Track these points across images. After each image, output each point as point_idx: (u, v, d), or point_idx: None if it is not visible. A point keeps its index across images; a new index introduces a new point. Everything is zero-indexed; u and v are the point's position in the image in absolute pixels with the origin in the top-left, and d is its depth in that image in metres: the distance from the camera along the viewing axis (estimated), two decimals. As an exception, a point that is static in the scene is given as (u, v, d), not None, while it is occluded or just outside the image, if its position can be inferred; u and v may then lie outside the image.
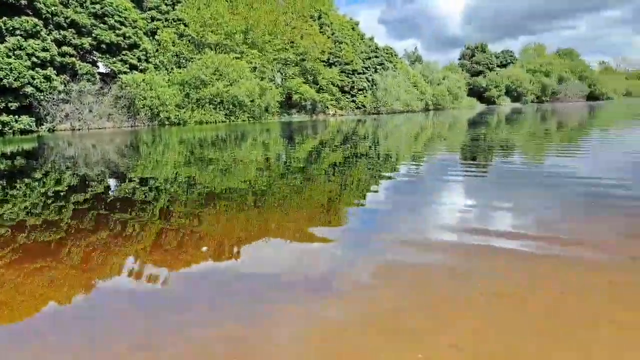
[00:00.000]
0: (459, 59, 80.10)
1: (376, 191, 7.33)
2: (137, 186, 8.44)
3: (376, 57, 55.14)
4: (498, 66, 79.42)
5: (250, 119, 42.35)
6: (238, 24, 44.44)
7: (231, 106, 40.63)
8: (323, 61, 49.47)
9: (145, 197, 7.37)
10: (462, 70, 74.51)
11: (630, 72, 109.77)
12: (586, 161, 9.69)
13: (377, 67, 54.65)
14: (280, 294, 3.27)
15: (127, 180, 9.34)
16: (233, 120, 40.89)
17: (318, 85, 49.22)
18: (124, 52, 38.42)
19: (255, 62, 44.70)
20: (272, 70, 47.24)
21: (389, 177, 8.56)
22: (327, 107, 50.06)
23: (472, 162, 10.64)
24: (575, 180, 7.15)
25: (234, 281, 3.63)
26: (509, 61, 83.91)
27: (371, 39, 57.06)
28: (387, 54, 56.77)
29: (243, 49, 44.68)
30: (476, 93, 73.49)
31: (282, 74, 49.40)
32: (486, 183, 7.71)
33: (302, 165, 10.88)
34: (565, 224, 4.66)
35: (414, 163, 10.71)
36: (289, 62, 48.65)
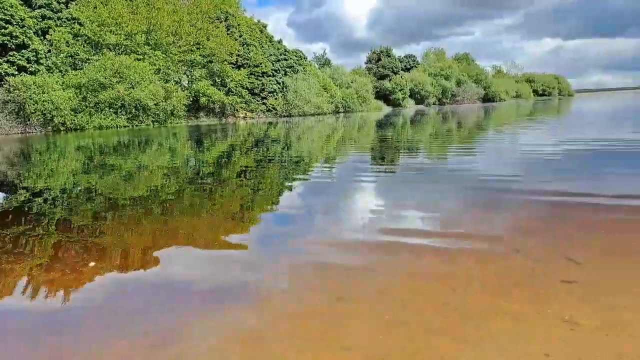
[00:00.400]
0: (366, 63, 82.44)
1: (289, 195, 7.22)
2: (30, 197, 7.57)
3: (285, 59, 55.13)
4: (402, 70, 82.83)
5: (154, 123, 40.46)
6: (139, 24, 42.25)
7: (134, 110, 38.54)
8: (231, 63, 48.47)
9: (40, 209, 6.61)
10: (369, 73, 76.81)
11: (520, 75, 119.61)
12: (483, 159, 10.27)
13: (287, 69, 54.67)
14: (191, 304, 3.03)
15: (18, 191, 8.37)
16: (136, 125, 38.83)
17: (227, 88, 48.16)
18: (11, 53, 35.07)
19: (159, 64, 42.78)
20: (177, 72, 45.46)
21: (302, 180, 8.48)
22: (237, 110, 49.17)
23: (381, 162, 10.88)
24: (473, 178, 7.52)
25: (141, 294, 3.29)
26: (412, 65, 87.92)
27: (280, 41, 56.95)
28: (296, 57, 56.97)
29: (145, 50, 42.56)
30: (383, 96, 76.10)
31: (188, 76, 47.73)
32: (394, 183, 7.88)
33: (212, 170, 10.47)
34: (462, 221, 4.86)
35: (326, 165, 10.74)
36: (195, 64, 47.13)
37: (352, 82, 65.90)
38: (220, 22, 49.91)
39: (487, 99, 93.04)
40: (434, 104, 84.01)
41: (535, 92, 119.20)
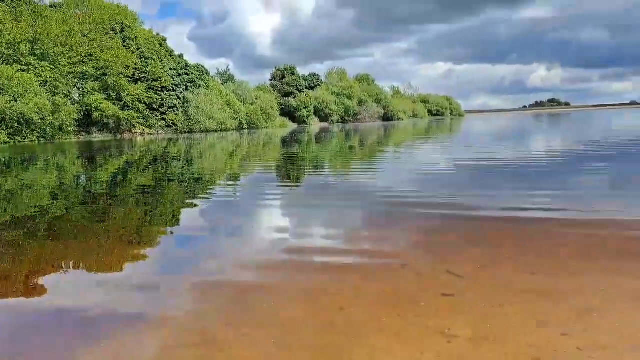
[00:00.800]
0: (270, 80, 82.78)
1: (189, 215, 7.01)
2: None
3: (187, 74, 53.65)
4: (307, 88, 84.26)
5: (40, 139, 37.33)
6: (23, 33, 38.85)
7: (16, 124, 35.28)
8: (128, 77, 46.12)
9: None
10: (274, 90, 77.25)
11: (416, 96, 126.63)
12: (382, 176, 10.72)
13: (188, 84, 53.21)
14: (79, 335, 2.81)
15: None
16: (19, 141, 35.55)
17: (123, 102, 45.68)
18: None
19: (46, 76, 39.65)
20: (67, 85, 42.33)
21: (203, 199, 8.27)
22: (134, 126, 46.83)
23: (285, 180, 10.93)
24: (371, 195, 7.83)
25: (21, 326, 2.95)
26: (316, 84, 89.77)
27: (181, 56, 55.32)
28: (198, 71, 55.67)
29: (30, 61, 39.23)
30: (288, 113, 76.82)
31: (79, 89, 44.68)
32: (295, 201, 7.95)
33: (105, 190, 9.83)
34: (356, 238, 4.99)
35: (229, 183, 10.57)
36: (87, 77, 44.22)
37: (256, 99, 65.78)
38: (116, 33, 47.54)
39: (386, 118, 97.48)
40: (337, 122, 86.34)
41: (430, 112, 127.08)
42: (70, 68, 42.45)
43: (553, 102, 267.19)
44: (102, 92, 44.53)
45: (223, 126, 54.45)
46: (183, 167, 14.45)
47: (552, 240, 4.51)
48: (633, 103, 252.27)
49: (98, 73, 44.54)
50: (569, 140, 19.49)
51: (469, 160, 12.94)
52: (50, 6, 45.34)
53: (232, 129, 56.44)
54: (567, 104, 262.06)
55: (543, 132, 28.44)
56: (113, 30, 47.25)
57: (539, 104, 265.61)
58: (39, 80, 38.02)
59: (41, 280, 4.02)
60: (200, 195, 8.71)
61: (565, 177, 9.09)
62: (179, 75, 52.74)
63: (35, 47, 40.23)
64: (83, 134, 43.31)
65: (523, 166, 11.08)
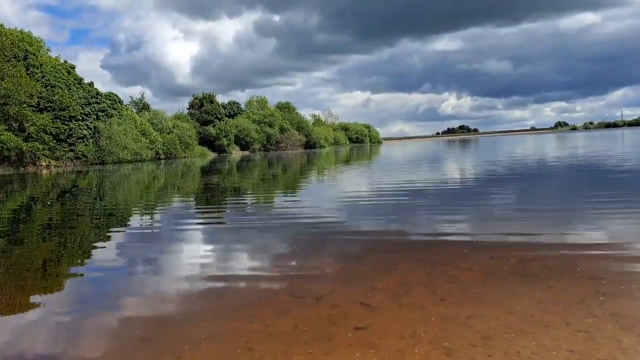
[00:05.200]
0: (188, 109, 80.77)
1: (103, 249, 6.58)
2: None
3: (98, 103, 51.00)
4: (226, 116, 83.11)
5: None
6: None
7: None
8: (32, 106, 43.07)
9: None
10: (192, 119, 75.50)
11: (336, 124, 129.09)
12: (303, 205, 10.70)
13: (99, 113, 50.56)
14: None
15: None
16: None
17: (26, 133, 42.49)
18: None
19: (-64, 105, 36.02)
20: (-39, 115, 38.69)
21: (118, 233, 7.83)
22: (39, 158, 43.58)
23: (208, 209, 10.61)
24: (294, 225, 7.80)
25: None
26: (236, 112, 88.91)
27: (91, 84, 52.56)
28: (110, 100, 53.14)
29: None
30: (207, 142, 75.19)
31: (-25, 119, 40.93)
32: (221, 229, 7.74)
33: (7, 228, 8.95)
34: (270, 271, 4.92)
35: (146, 215, 10.09)
36: (-15, 106, 40.75)
37: (174, 128, 63.88)
38: (19, 60, 44.40)
39: (309, 145, 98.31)
40: (259, 150, 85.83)
41: (350, 139, 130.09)
42: (-35, 97, 38.92)
43: (463, 128, 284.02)
44: (2, 122, 41.12)
45: (138, 156, 52.15)
46: (95, 200, 13.58)
47: (460, 265, 4.65)
48: (533, 129, 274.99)
49: (-3, 102, 41.17)
50: (479, 166, 20.67)
51: (386, 186, 13.33)
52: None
53: (148, 159, 54.26)
54: (475, 130, 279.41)
55: (456, 158, 29.98)
56: (15, 58, 44.09)
57: (450, 131, 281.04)
58: None
59: None
60: (113, 229, 8.23)
61: (473, 201, 9.60)
62: (89, 104, 50.08)
63: None
64: (-21, 167, 39.58)
65: (436, 191, 11.60)
